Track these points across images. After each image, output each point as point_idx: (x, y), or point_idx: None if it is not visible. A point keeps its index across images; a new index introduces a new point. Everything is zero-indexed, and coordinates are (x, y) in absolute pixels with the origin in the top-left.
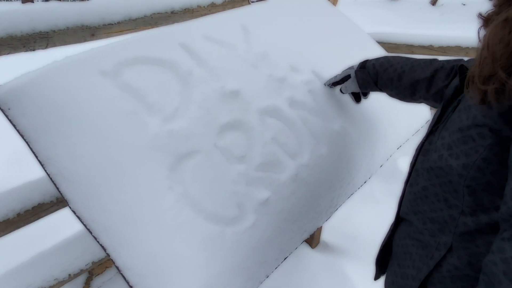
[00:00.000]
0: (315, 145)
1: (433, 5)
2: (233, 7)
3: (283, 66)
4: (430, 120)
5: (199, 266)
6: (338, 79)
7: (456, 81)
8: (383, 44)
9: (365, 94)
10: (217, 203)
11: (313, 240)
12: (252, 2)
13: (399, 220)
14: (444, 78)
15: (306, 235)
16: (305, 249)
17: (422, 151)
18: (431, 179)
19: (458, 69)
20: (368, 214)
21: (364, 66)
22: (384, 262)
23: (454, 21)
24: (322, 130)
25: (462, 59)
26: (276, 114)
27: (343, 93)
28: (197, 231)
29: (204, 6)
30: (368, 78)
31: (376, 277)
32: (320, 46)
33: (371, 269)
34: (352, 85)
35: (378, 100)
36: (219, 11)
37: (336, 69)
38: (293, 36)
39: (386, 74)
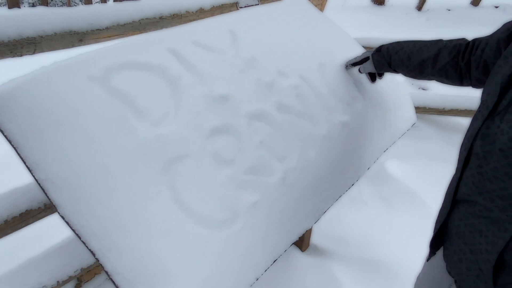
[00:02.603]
0: (302, 149)
1: (419, 10)
2: (221, 12)
3: (271, 71)
4: (480, 107)
5: (189, 269)
6: (357, 60)
7: (509, 69)
8: (369, 49)
9: (380, 75)
10: (206, 206)
11: (303, 244)
12: (241, 7)
13: (453, 203)
14: (447, 55)
15: (295, 238)
16: (295, 252)
17: (479, 135)
18: (500, 160)
19: None
20: (357, 216)
21: (379, 49)
22: (437, 243)
23: (439, 26)
24: (309, 134)
25: (464, 38)
26: (264, 118)
27: (361, 72)
28: (186, 235)
29: (192, 12)
30: (383, 60)
31: (429, 259)
32: (307, 51)
33: (361, 271)
34: (369, 66)
35: (365, 104)
36: (207, 17)
37: (323, 73)
38: (280, 41)
39: (397, 56)
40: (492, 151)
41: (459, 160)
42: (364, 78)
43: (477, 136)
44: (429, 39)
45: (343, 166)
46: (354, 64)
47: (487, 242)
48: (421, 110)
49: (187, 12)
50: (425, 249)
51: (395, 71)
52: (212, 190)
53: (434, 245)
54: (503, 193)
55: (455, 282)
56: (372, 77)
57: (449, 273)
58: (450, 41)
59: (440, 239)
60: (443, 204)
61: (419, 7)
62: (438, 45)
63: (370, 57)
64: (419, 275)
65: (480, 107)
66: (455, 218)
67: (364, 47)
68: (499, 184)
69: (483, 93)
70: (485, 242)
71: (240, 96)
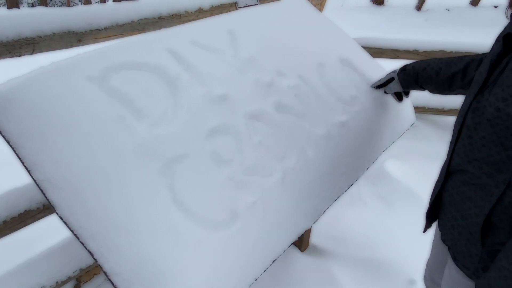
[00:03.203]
0: (301, 149)
1: (418, 10)
2: (220, 12)
3: (270, 71)
4: (472, 84)
5: (187, 270)
6: (382, 82)
7: (498, 48)
8: (368, 49)
9: (407, 94)
10: (205, 207)
11: (302, 244)
12: (240, 7)
13: (447, 175)
14: (475, 68)
15: (294, 238)
16: (295, 252)
17: (471, 109)
18: (487, 129)
19: (502, 38)
20: (356, 216)
21: (404, 69)
22: (432, 215)
23: (438, 26)
24: (308, 133)
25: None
26: (263, 118)
27: (387, 93)
28: (185, 235)
29: (191, 12)
30: (410, 78)
31: (425, 230)
32: (306, 51)
33: (360, 271)
34: (395, 86)
35: (364, 104)
36: (206, 17)
37: (322, 73)
38: (279, 41)
39: (425, 73)
40: (481, 122)
41: (453, 134)
42: (363, 78)
43: (469, 110)
44: (452, 57)
45: (342, 166)
46: (379, 86)
47: (476, 207)
48: (420, 110)
49: (186, 12)
50: (424, 249)
51: (421, 87)
52: (211, 190)
53: (430, 216)
54: (490, 159)
55: (449, 249)
56: (399, 97)
57: (444, 241)
58: (477, 55)
59: (436, 212)
60: (438, 177)
61: (419, 7)
62: (465, 59)
63: (396, 77)
64: (428, 261)
65: (472, 84)
66: (448, 188)
67: (363, 47)
68: (486, 152)
69: (476, 73)
70: (474, 207)
71: (239, 96)
